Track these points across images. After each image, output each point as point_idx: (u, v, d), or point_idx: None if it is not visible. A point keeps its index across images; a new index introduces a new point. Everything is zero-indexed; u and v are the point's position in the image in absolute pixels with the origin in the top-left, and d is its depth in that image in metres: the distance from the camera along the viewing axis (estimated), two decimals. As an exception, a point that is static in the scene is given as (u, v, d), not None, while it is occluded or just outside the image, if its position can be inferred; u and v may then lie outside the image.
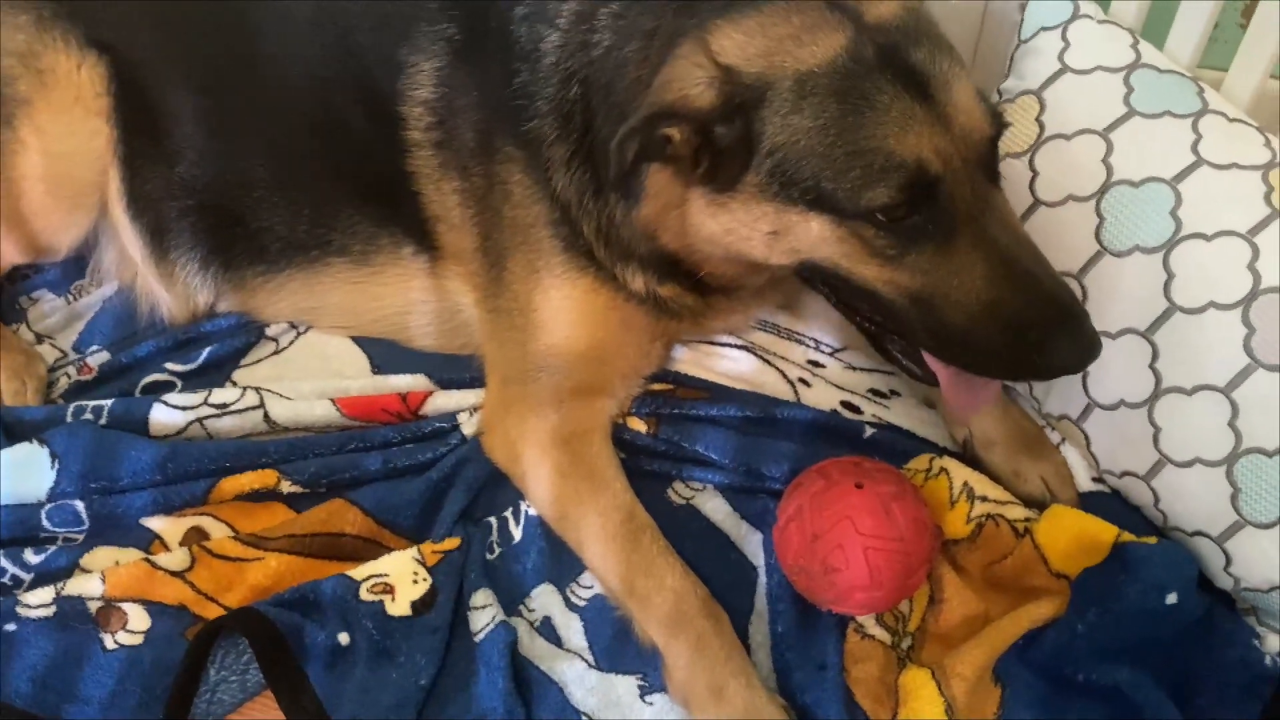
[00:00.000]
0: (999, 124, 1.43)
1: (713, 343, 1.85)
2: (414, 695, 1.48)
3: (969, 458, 1.70)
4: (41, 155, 1.82)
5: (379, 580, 1.55)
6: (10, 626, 1.51)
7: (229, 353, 1.89)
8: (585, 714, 1.48)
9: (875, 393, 1.82)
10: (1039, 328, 1.36)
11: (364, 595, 1.54)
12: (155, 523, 1.65)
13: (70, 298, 2.00)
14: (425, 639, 1.52)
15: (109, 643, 1.52)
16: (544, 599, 1.59)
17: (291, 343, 1.92)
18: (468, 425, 1.75)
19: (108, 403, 1.77)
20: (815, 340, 1.88)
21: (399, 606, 1.54)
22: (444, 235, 1.75)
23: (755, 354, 1.85)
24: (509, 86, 1.59)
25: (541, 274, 1.64)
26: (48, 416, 1.76)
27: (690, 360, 1.82)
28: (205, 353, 1.88)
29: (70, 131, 1.82)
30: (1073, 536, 1.53)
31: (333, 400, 1.78)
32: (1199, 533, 1.53)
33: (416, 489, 1.67)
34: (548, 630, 1.56)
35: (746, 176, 1.40)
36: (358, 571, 1.56)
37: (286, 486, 1.68)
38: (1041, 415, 1.73)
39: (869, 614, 1.53)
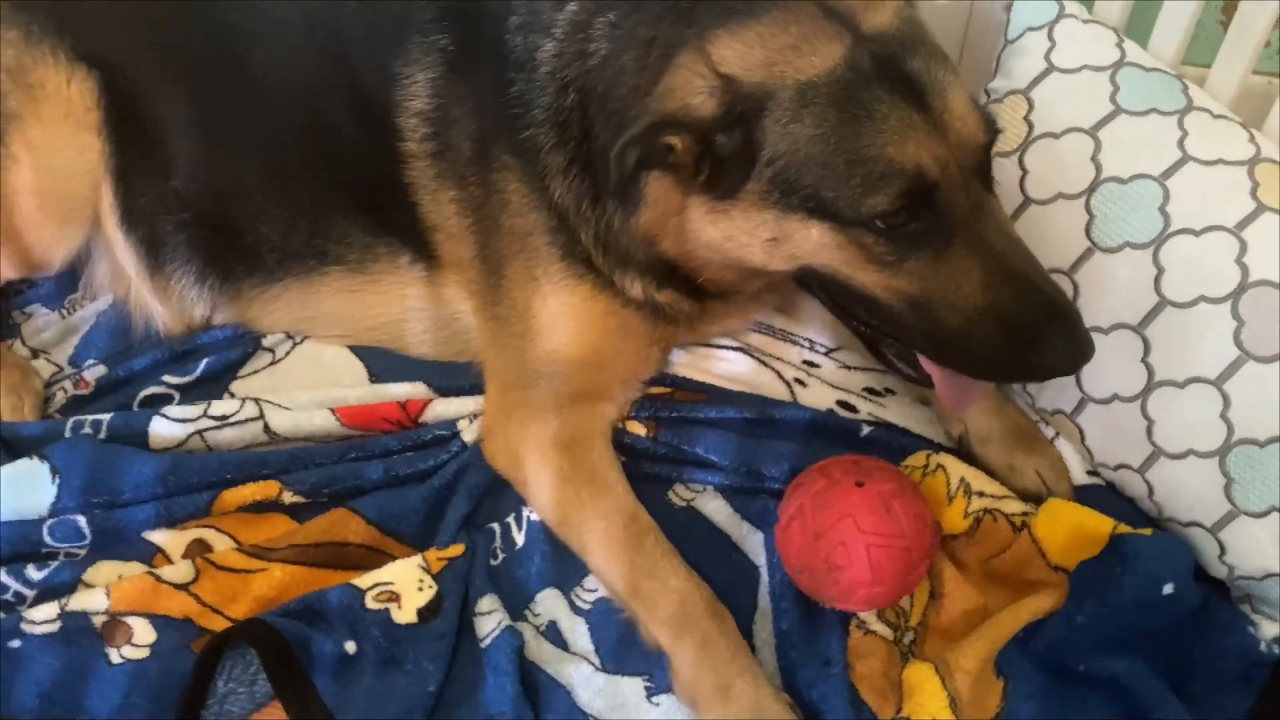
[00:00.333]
0: (993, 130, 1.45)
1: (709, 345, 1.86)
2: (422, 701, 1.48)
3: (964, 454, 1.72)
4: (33, 170, 1.81)
5: (384, 588, 1.56)
6: (15, 643, 1.51)
7: (226, 364, 1.89)
8: (593, 716, 1.49)
9: (870, 391, 1.83)
10: (1033, 330, 1.39)
11: (370, 604, 1.54)
12: (157, 536, 1.65)
13: (64, 312, 2.00)
14: (432, 645, 1.52)
15: (114, 657, 1.52)
16: (549, 603, 1.60)
17: (288, 353, 1.92)
18: (468, 432, 1.75)
19: (106, 417, 1.76)
20: (810, 340, 1.90)
21: (405, 614, 1.54)
22: (442, 244, 1.75)
23: (751, 355, 1.86)
24: (505, 95, 1.60)
25: (540, 281, 1.65)
26: (46, 432, 1.76)
27: (687, 363, 1.84)
28: (202, 365, 1.88)
29: (61, 146, 1.82)
30: (1070, 530, 1.54)
31: (332, 410, 1.78)
32: (1193, 523, 1.56)
33: (419, 496, 1.67)
34: (553, 634, 1.57)
35: (747, 185, 1.42)
36: (363, 580, 1.56)
37: (288, 497, 1.68)
38: (1035, 410, 1.75)
39: (871, 610, 1.55)
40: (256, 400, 1.79)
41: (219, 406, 1.78)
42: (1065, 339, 1.39)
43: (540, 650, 1.55)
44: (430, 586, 1.57)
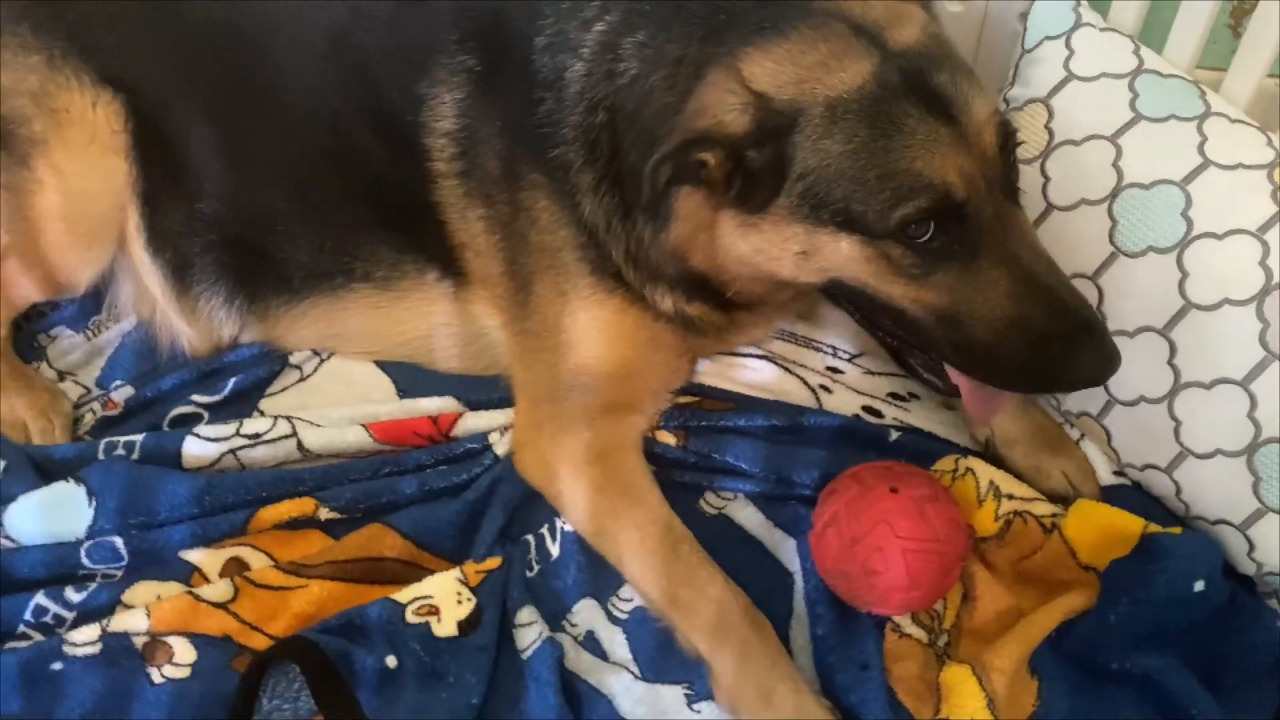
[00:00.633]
0: (1007, 134, 1.46)
1: (734, 353, 1.88)
2: (466, 714, 1.50)
3: (991, 457, 1.74)
4: (59, 194, 1.82)
5: (424, 602, 1.57)
6: (57, 665, 1.52)
7: (254, 382, 1.90)
8: (636, 724, 1.51)
9: (895, 396, 1.86)
10: (1061, 342, 1.41)
11: (410, 618, 1.55)
12: (194, 555, 1.66)
13: (89, 334, 2.00)
14: (474, 658, 1.54)
15: (156, 677, 1.52)
16: (586, 613, 1.62)
17: (315, 370, 1.93)
18: (499, 445, 1.77)
19: (139, 438, 1.78)
20: (833, 347, 1.92)
21: (445, 627, 1.56)
22: (470, 261, 1.77)
23: (776, 363, 1.88)
24: (533, 115, 1.61)
25: (569, 296, 1.66)
26: (79, 454, 1.77)
27: (714, 372, 1.85)
28: (230, 384, 1.89)
29: (87, 170, 1.82)
30: (1100, 530, 1.57)
31: (364, 425, 1.79)
32: (1221, 521, 1.58)
33: (454, 510, 1.68)
34: (592, 644, 1.59)
35: (777, 199, 1.44)
36: (402, 594, 1.57)
37: (324, 513, 1.69)
38: (1061, 413, 1.77)
39: (907, 614, 1.57)
40: (289, 418, 1.80)
41: (251, 425, 1.79)
42: (1092, 351, 1.41)
43: (580, 660, 1.57)
44: (469, 599, 1.58)
